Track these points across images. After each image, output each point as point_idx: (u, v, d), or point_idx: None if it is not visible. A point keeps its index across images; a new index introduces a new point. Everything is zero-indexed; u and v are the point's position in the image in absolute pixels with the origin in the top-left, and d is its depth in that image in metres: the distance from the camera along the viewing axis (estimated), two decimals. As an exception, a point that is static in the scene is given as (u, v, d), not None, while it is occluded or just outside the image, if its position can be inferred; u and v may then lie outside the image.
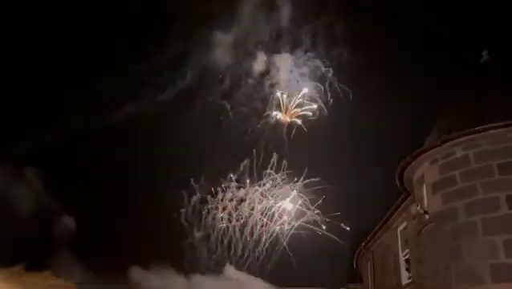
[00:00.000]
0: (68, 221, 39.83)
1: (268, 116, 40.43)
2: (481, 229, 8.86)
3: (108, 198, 39.83)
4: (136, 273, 36.56)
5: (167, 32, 40.75)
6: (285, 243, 38.25)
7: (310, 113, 39.30)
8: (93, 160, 41.62)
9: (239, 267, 38.83)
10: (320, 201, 38.50)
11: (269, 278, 37.65)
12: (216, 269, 39.11)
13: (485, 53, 11.70)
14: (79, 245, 36.69)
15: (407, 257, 12.63)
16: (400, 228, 13.33)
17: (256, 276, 37.73)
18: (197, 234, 40.22)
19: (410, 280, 12.16)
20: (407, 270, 12.49)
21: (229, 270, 38.53)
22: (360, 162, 38.80)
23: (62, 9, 41.66)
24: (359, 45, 39.14)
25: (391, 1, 39.63)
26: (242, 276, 37.79)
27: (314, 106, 39.42)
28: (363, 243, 16.75)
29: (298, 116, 39.72)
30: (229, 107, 40.92)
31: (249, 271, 38.53)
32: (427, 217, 10.19)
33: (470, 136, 9.51)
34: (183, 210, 40.47)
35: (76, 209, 39.26)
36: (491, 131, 9.27)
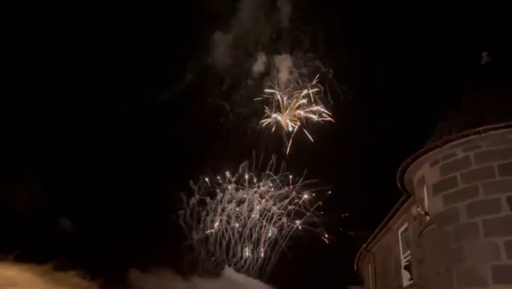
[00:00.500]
0: (65, 223, 39.62)
1: (268, 117, 40.30)
2: (483, 231, 8.82)
3: (106, 200, 39.74)
4: (135, 275, 36.39)
5: (167, 33, 40.71)
6: (284, 245, 38.07)
7: (310, 114, 39.20)
8: (91, 161, 41.56)
9: (238, 269, 38.67)
10: (319, 202, 38.37)
11: (268, 280, 37.51)
12: (215, 271, 38.95)
13: (485, 54, 11.69)
14: (76, 247, 36.50)
15: (408, 259, 12.58)
16: (401, 230, 13.28)
17: (255, 278, 37.55)
18: (196, 236, 40.05)
19: (411, 282, 12.10)
20: (405, 269, 12.41)
21: (228, 271, 38.37)
22: (360, 163, 38.74)
23: (61, 10, 41.66)
24: (358, 45, 39.09)
25: (390, 1, 39.65)
26: (241, 278, 37.63)
27: (314, 107, 39.34)
28: (364, 245, 16.70)
29: (298, 118, 39.61)
30: (228, 109, 40.81)
31: (249, 273, 38.36)
32: (428, 218, 10.16)
33: (470, 137, 9.48)
34: (181, 212, 40.32)
35: (73, 210, 39.17)
36: (491, 132, 9.25)
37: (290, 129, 37.75)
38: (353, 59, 38.26)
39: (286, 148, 38.89)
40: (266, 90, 39.62)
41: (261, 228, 38.63)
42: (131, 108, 39.28)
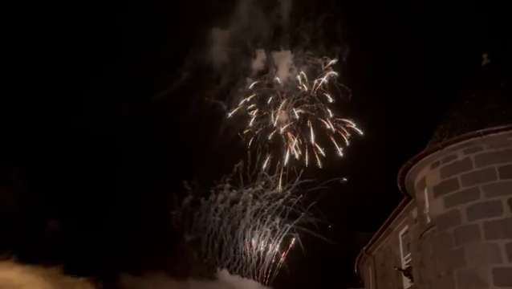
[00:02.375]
0: (54, 225, 38.92)
1: (266, 116, 39.90)
2: (484, 233, 8.79)
3: (98, 201, 39.37)
4: (127, 279, 35.96)
5: (165, 29, 40.36)
6: (277, 247, 37.75)
7: (311, 112, 38.84)
8: (82, 161, 41.37)
9: (232, 271, 38.36)
10: (314, 202, 38.01)
11: (265, 282, 37.24)
12: (208, 273, 38.62)
13: (485, 56, 11.68)
14: (66, 250, 35.98)
15: (408, 261, 12.55)
16: (402, 232, 13.25)
17: (250, 279, 37.24)
18: (188, 238, 39.61)
19: (412, 285, 12.06)
20: (405, 275, 12.36)
21: (223, 273, 38.13)
22: (360, 164, 38.56)
23: (55, 9, 41.47)
24: (359, 44, 38.79)
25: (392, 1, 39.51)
26: (236, 280, 37.38)
27: (313, 105, 39.02)
28: (365, 248, 16.64)
29: (296, 116, 39.24)
30: (225, 108, 40.42)
31: (243, 274, 38.06)
32: (428, 220, 10.13)
33: (471, 140, 9.46)
34: (174, 213, 39.87)
35: (64, 212, 38.78)
36: (491, 134, 9.23)
37: (297, 156, 36.59)
38: (353, 57, 38.03)
39: (284, 148, 38.40)
40: (264, 88, 38.71)
41: (254, 228, 38.29)
42: (125, 107, 39.09)
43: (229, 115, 39.75)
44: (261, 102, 39.96)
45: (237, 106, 39.72)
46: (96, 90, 40.12)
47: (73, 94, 41.65)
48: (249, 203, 38.66)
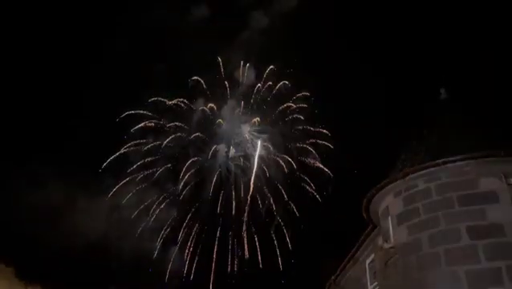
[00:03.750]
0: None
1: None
2: (444, 260, 9.04)
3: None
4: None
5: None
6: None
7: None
8: (76, 165, 40.63)
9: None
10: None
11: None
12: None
13: (443, 90, 12.21)
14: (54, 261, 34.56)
15: (375, 290, 12.63)
16: (368, 260, 13.36)
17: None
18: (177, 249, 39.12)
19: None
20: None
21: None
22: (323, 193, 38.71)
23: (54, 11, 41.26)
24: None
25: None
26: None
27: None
28: (333, 277, 16.64)
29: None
30: (222, 108, 40.08)
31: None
32: (393, 248, 10.32)
33: (431, 169, 9.84)
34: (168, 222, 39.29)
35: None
36: (449, 164, 9.64)
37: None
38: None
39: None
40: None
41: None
42: (119, 109, 38.63)
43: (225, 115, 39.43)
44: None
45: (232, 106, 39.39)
46: (94, 91, 39.73)
47: (65, 93, 40.48)
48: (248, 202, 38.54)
